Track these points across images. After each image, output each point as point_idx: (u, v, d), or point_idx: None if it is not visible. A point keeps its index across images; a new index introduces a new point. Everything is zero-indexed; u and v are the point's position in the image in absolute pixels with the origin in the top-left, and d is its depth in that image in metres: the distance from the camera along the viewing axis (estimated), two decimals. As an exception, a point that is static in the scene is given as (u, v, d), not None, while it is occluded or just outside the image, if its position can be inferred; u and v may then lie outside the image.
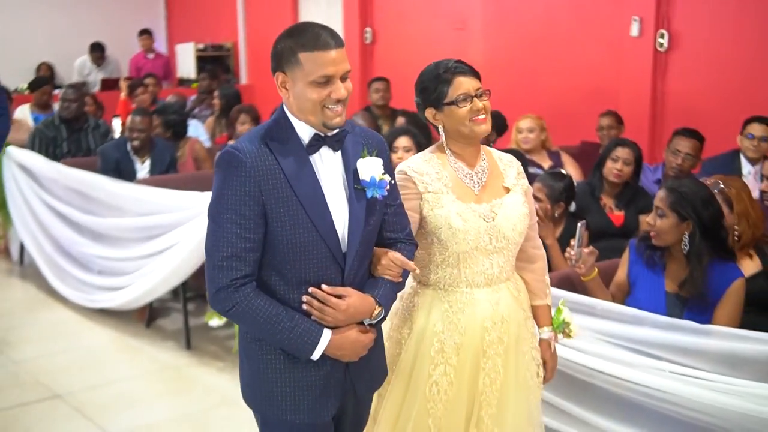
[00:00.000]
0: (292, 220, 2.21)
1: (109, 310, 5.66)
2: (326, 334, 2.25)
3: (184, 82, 11.27)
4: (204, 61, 11.15)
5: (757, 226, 3.51)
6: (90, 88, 10.04)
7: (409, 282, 2.66)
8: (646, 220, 3.32)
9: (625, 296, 3.40)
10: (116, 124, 7.13)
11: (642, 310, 3.14)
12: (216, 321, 4.87)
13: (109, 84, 10.49)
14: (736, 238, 3.49)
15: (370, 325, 2.35)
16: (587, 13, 7.14)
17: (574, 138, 6.72)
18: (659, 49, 6.59)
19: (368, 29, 9.15)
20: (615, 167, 4.54)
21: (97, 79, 10.99)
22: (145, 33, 11.56)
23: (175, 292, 5.61)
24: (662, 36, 6.55)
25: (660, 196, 3.23)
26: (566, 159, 5.81)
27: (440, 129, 2.64)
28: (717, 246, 3.19)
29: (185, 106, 7.46)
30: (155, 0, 12.76)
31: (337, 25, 9.51)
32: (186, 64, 11.38)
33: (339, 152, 2.32)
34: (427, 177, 2.59)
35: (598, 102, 6.72)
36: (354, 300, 2.28)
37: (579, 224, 3.36)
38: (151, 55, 11.62)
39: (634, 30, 6.66)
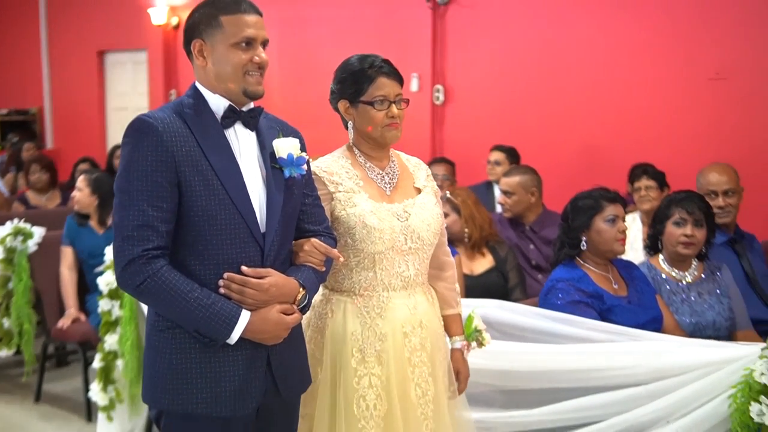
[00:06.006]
0: (207, 191, 2.08)
1: None
2: (245, 314, 2.10)
3: (-14, 146, 11.07)
4: (8, 126, 11.03)
5: (483, 226, 4.06)
6: None
7: (320, 290, 2.53)
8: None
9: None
10: None
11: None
12: (5, 351, 4.90)
13: None
14: (466, 239, 4.03)
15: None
16: (373, 71, 7.76)
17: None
18: (436, 102, 7.29)
19: (173, 91, 9.44)
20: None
21: None
22: (-55, 98, 11.31)
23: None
24: (438, 90, 7.25)
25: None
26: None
27: (349, 125, 2.56)
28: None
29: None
30: (-43, 66, 12.51)
31: (143, 88, 9.79)
32: (-11, 128, 11.20)
33: (254, 133, 2.23)
34: (337, 177, 2.49)
35: (385, 151, 7.30)
36: (276, 279, 2.15)
37: None
38: (-50, 120, 11.35)
39: (414, 85, 7.32)
